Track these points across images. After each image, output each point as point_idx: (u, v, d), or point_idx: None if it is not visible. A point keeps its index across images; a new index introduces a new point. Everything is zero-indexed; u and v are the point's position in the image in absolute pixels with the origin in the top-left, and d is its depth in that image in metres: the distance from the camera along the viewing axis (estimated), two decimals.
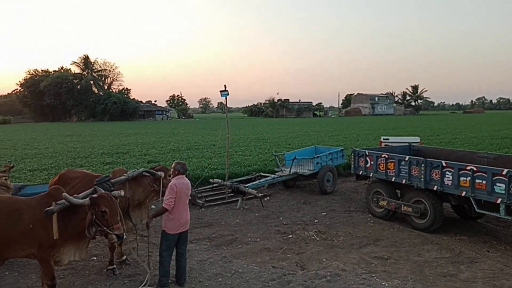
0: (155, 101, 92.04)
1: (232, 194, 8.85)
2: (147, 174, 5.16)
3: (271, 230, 6.74)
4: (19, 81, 71.20)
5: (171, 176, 4.68)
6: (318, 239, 6.27)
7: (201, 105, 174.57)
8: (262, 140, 20.81)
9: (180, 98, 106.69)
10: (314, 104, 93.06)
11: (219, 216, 7.70)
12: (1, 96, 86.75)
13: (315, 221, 7.29)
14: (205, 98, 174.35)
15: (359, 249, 5.83)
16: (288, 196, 9.35)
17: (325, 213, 7.83)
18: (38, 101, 67.08)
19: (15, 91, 75.51)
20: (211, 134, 25.96)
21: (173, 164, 4.68)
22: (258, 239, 6.28)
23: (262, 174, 10.32)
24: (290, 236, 6.43)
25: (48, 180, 9.30)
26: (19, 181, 9.08)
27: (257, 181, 9.33)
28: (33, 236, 3.73)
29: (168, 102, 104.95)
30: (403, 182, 6.93)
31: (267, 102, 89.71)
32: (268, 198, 9.05)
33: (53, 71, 71.71)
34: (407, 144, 9.60)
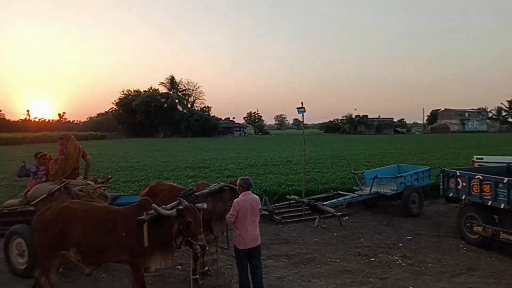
0: (233, 118, 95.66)
1: (310, 211, 8.72)
2: (227, 188, 5.34)
3: (351, 252, 6.47)
4: (115, 101, 79.23)
5: (239, 192, 4.75)
6: (403, 264, 5.86)
7: (276, 122, 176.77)
8: (339, 157, 20.31)
9: (256, 115, 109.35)
10: (395, 120, 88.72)
11: (296, 233, 7.62)
12: (100, 114, 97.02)
13: (400, 244, 6.84)
14: (281, 115, 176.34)
15: (451, 278, 5.31)
16: (368, 217, 8.93)
17: (410, 237, 7.31)
18: (130, 119, 73.76)
19: (111, 109, 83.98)
20: (286, 150, 26.06)
21: (238, 181, 4.76)
22: (338, 260, 6.07)
23: (340, 192, 10.03)
24: (372, 259, 6.10)
25: (139, 191, 10.10)
26: (114, 191, 9.97)
27: (335, 200, 9.08)
28: (126, 244, 4.04)
29: (246, 119, 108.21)
30: (502, 206, 6.20)
31: (344, 118, 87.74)
32: (347, 217, 8.75)
33: (144, 91, 78.53)
34: (505, 164, 8.61)
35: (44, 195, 5.38)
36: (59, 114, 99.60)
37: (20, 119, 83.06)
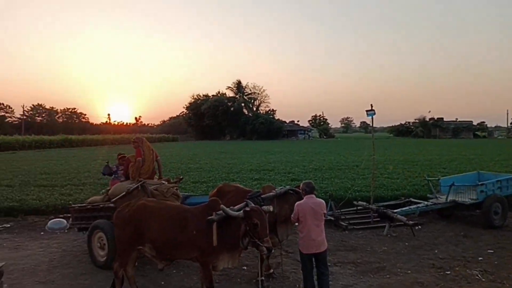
0: (298, 121, 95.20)
1: (378, 218, 8.35)
2: (292, 192, 5.33)
3: (424, 263, 6.07)
4: (185, 105, 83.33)
5: (303, 196, 4.72)
6: (483, 280, 5.36)
7: (342, 125, 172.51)
8: (411, 163, 19.23)
9: (321, 118, 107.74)
10: (475, 123, 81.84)
11: (364, 240, 7.35)
12: (172, 117, 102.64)
13: (479, 258, 6.26)
14: (347, 118, 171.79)
15: None
16: (444, 227, 8.32)
17: (492, 251, 6.66)
18: (199, 122, 77.06)
19: (182, 113, 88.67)
20: (353, 155, 25.29)
21: (301, 185, 4.74)
22: (409, 271, 5.73)
23: (412, 199, 9.47)
24: (448, 272, 5.66)
25: (207, 191, 10.47)
26: (185, 191, 10.44)
27: (407, 207, 8.59)
28: (196, 242, 4.21)
29: (310, 122, 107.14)
30: None
31: (417, 121, 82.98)
32: (419, 226, 8.23)
33: (212, 95, 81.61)
34: None
35: (123, 193, 5.81)
36: (135, 118, 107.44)
37: (102, 122, 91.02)
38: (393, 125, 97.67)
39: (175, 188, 6.20)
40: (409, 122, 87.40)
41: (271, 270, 5.50)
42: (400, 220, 7.70)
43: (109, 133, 70.16)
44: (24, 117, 77.10)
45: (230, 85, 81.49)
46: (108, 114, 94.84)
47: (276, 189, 5.39)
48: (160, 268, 4.46)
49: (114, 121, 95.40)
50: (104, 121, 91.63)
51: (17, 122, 75.97)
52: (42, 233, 8.04)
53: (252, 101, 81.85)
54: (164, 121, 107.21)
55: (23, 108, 78.85)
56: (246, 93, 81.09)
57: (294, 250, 6.43)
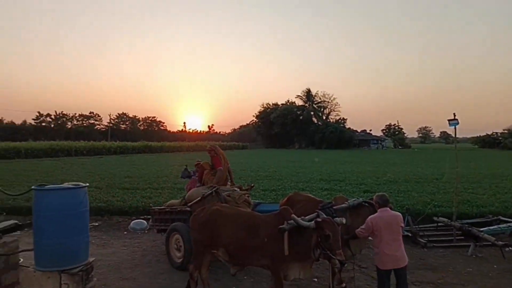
0: (370, 130, 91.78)
1: (462, 237, 7.68)
2: (366, 204, 5.13)
3: None
4: (255, 113, 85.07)
5: (376, 209, 4.54)
6: None
7: (420, 135, 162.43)
8: (500, 177, 17.42)
9: (396, 127, 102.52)
10: None
11: (445, 260, 6.80)
12: (242, 126, 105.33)
13: None
14: (425, 127, 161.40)
15: None
16: None
17: None
18: (269, 130, 78.06)
19: (252, 121, 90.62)
20: (432, 167, 23.65)
21: (374, 197, 4.57)
22: None
23: (502, 218, 8.57)
24: None
25: (277, 199, 10.51)
26: (254, 198, 10.61)
27: (495, 226, 7.80)
28: (267, 249, 4.24)
29: (384, 131, 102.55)
30: None
31: (506, 131, 75.23)
32: (510, 248, 7.40)
33: (281, 104, 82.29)
34: None
35: (198, 198, 6.08)
36: (208, 126, 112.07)
37: (178, 130, 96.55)
38: (478, 135, 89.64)
39: (247, 195, 6.33)
40: (496, 133, 79.61)
41: (344, 284, 5.32)
42: (488, 240, 6.99)
43: (185, 140, 74.12)
44: (110, 124, 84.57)
45: (299, 94, 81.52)
46: (184, 123, 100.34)
47: (349, 200, 5.23)
48: (232, 273, 4.57)
49: (189, 129, 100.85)
50: (180, 129, 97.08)
51: (104, 129, 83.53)
52: (125, 232, 8.70)
53: (322, 109, 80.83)
54: (234, 129, 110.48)
55: (109, 116, 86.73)
56: (315, 102, 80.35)
57: (368, 265, 6.18)
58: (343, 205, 5.11)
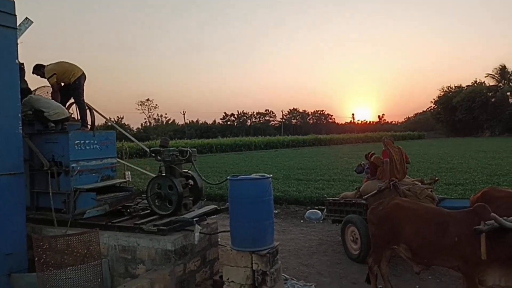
0: None
1: None
2: None
3: None
4: (433, 99, 76.59)
5: None
6: None
7: None
8: None
9: None
10: None
11: None
12: (417, 113, 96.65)
13: None
14: None
15: None
16: None
17: None
18: (450, 117, 69.17)
19: (429, 108, 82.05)
20: None
21: None
22: None
23: None
24: None
25: (464, 195, 9.29)
26: (436, 193, 9.61)
27: None
28: (458, 250, 3.80)
29: None
30: None
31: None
32: None
33: (466, 86, 71.67)
34: None
35: (374, 191, 5.90)
36: (378, 116, 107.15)
37: (346, 122, 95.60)
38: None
39: (430, 190, 5.80)
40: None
41: None
42: None
43: (353, 132, 72.92)
44: (283, 120, 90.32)
45: (490, 72, 69.15)
46: (352, 114, 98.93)
47: None
48: (416, 271, 4.27)
49: (358, 120, 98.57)
50: (349, 121, 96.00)
51: (277, 124, 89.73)
52: (301, 221, 9.19)
53: None
54: (408, 118, 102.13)
55: (282, 112, 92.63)
56: None
57: None
58: None
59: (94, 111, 6.28)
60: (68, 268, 3.92)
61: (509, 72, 66.50)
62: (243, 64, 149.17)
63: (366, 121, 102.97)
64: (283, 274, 4.97)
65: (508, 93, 64.41)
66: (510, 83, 65.96)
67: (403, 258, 4.43)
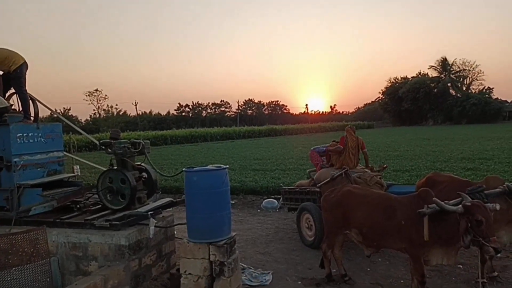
0: None
1: None
2: None
3: None
4: (381, 90, 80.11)
5: None
6: None
7: None
8: None
9: None
10: None
11: None
12: (366, 104, 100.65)
13: None
14: None
15: None
16: None
17: None
18: (397, 107, 72.71)
19: (377, 98, 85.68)
20: None
21: None
22: None
23: None
24: None
25: (409, 181, 9.85)
26: (385, 180, 10.10)
27: None
28: (404, 232, 4.04)
29: None
30: None
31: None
32: None
33: (411, 77, 75.53)
34: None
35: (327, 179, 6.09)
36: (331, 106, 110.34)
37: (300, 112, 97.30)
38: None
39: (379, 176, 6.08)
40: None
41: (496, 273, 4.73)
42: None
43: (307, 122, 74.57)
44: (239, 111, 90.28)
45: (433, 64, 73.36)
46: (306, 105, 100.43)
47: (506, 184, 4.50)
48: (367, 254, 4.49)
49: (311, 111, 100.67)
50: (303, 111, 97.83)
51: (233, 115, 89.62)
52: (258, 210, 9.29)
53: (461, 79, 71.42)
54: (358, 108, 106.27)
55: (237, 103, 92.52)
56: (453, 71, 71.35)
57: None
58: (497, 189, 4.44)
59: (37, 102, 5.90)
60: (13, 268, 3.70)
61: (449, 64, 70.92)
62: (198, 53, 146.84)
63: (319, 112, 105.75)
64: (240, 264, 5.01)
65: (449, 84, 68.77)
66: (451, 75, 70.39)
67: (355, 242, 4.63)
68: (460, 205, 3.66)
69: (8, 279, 3.67)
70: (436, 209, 3.77)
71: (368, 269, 5.25)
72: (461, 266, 5.17)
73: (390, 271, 5.15)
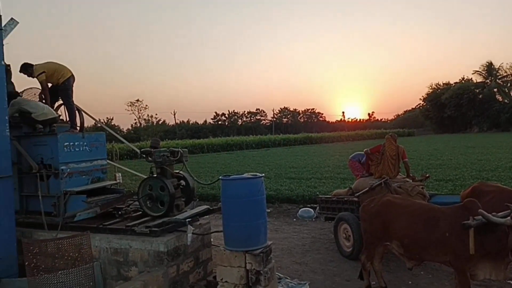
0: None
1: None
2: None
3: None
4: (422, 96, 77.38)
5: None
6: None
7: None
8: None
9: None
10: None
11: None
12: (406, 111, 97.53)
13: None
14: None
15: None
16: None
17: None
18: (439, 114, 69.88)
19: (418, 105, 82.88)
20: None
21: None
22: None
23: None
24: None
25: (454, 191, 9.41)
26: (427, 189, 9.71)
27: None
28: (448, 245, 3.84)
29: None
30: None
31: None
32: None
33: (454, 83, 72.52)
34: None
35: (366, 189, 5.94)
36: (368, 114, 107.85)
37: (337, 120, 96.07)
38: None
39: (421, 186, 5.86)
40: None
41: None
42: None
43: (344, 130, 73.39)
44: (274, 119, 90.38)
45: (477, 69, 70.02)
46: (343, 112, 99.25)
47: None
48: (408, 267, 4.32)
49: (348, 118, 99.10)
50: (339, 119, 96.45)
51: (268, 123, 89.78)
52: (294, 219, 9.20)
53: (509, 84, 67.60)
54: (398, 115, 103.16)
55: (273, 111, 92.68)
56: (499, 76, 67.71)
57: None
58: None
59: (83, 113, 6.21)
60: (59, 272, 3.87)
61: (495, 68, 67.47)
62: (233, 63, 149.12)
63: (356, 119, 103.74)
64: (277, 273, 4.96)
65: (495, 90, 65.38)
66: (497, 80, 66.91)
67: (396, 254, 4.47)
68: (509, 217, 3.45)
69: (54, 282, 3.84)
70: (482, 221, 3.57)
71: (410, 282, 5.04)
72: (511, 282, 4.85)
73: (433, 285, 4.91)
